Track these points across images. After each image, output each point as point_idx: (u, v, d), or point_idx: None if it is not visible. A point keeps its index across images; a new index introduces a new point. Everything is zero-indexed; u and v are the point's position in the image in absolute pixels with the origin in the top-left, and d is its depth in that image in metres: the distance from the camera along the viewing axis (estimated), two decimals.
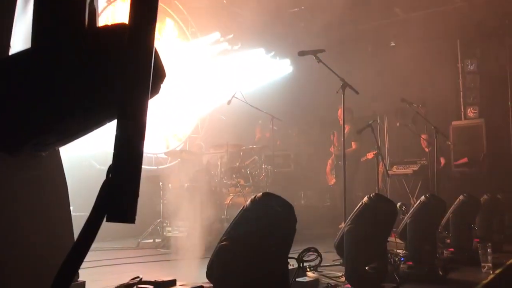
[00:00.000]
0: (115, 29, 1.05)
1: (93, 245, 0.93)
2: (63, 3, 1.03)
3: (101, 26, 1.08)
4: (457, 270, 4.13)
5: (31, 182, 1.87)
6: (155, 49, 1.02)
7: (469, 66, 10.63)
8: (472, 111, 10.58)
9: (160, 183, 6.62)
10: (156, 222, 6.43)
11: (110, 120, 1.12)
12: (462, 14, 10.10)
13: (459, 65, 10.77)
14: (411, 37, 10.84)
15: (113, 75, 1.00)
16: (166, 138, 9.04)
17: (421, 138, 8.43)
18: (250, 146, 7.87)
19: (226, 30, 10.23)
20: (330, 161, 8.14)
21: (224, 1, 9.87)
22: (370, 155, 7.58)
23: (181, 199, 6.13)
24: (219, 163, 6.83)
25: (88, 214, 0.91)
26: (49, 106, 1.02)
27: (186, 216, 5.95)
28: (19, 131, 1.07)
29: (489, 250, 4.04)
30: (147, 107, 0.96)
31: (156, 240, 6.26)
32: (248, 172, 7.07)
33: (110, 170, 0.90)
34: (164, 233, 6.13)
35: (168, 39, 9.20)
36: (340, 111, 7.23)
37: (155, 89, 1.10)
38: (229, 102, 7.02)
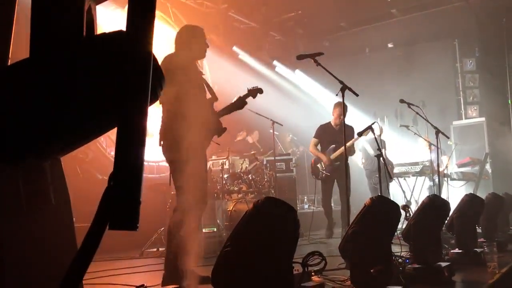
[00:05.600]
0: (113, 37, 1.05)
1: (96, 256, 0.93)
2: (60, 12, 1.03)
3: (99, 34, 1.08)
4: (463, 270, 4.11)
5: (35, 195, 1.87)
6: (154, 56, 1.01)
7: (468, 65, 10.64)
8: (473, 110, 10.58)
9: (163, 192, 6.60)
10: (159, 231, 6.42)
11: (111, 127, 1.12)
12: (460, 14, 10.13)
13: (457, 64, 10.78)
14: (408, 38, 10.87)
15: (112, 83, 1.00)
16: None
17: (422, 139, 8.42)
18: (252, 152, 7.87)
19: (224, 36, 10.25)
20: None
21: (222, 7, 9.89)
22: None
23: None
24: (220, 170, 6.82)
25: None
26: (49, 115, 1.02)
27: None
28: (19, 142, 1.06)
29: (494, 249, 4.02)
30: (147, 113, 0.95)
31: (160, 249, 6.24)
32: (251, 177, 7.06)
33: (112, 177, 0.90)
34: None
35: None
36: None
37: (154, 96, 1.10)
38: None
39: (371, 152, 8.30)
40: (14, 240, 1.94)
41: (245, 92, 4.35)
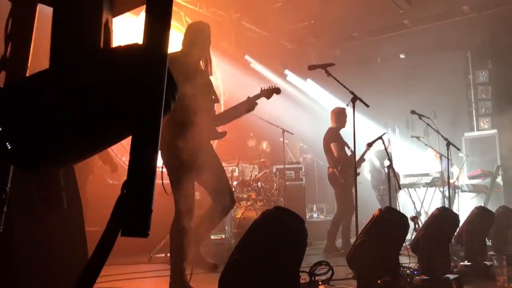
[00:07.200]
0: (128, 50, 1.08)
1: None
2: (79, 25, 1.07)
3: (116, 47, 1.12)
4: (472, 283, 4.08)
5: (48, 200, 1.92)
6: (168, 68, 1.05)
7: (481, 77, 10.57)
8: (485, 122, 10.50)
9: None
10: (168, 237, 6.44)
11: (125, 137, 1.16)
12: (472, 25, 10.10)
13: (470, 76, 10.72)
14: (420, 49, 10.85)
15: (128, 94, 1.04)
16: None
17: (433, 150, 8.38)
18: (262, 160, 7.90)
19: (236, 45, 10.32)
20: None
21: (234, 16, 9.96)
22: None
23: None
24: (230, 177, 6.84)
25: (100, 229, 0.94)
26: (66, 125, 1.06)
27: (197, 230, 5.94)
28: (35, 149, 1.10)
29: (504, 263, 3.99)
30: (160, 124, 0.99)
31: (168, 255, 6.27)
32: (260, 185, 7.08)
33: (125, 186, 0.93)
34: None
35: None
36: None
37: (167, 107, 1.13)
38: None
39: (377, 164, 8.28)
40: (28, 242, 1.98)
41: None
